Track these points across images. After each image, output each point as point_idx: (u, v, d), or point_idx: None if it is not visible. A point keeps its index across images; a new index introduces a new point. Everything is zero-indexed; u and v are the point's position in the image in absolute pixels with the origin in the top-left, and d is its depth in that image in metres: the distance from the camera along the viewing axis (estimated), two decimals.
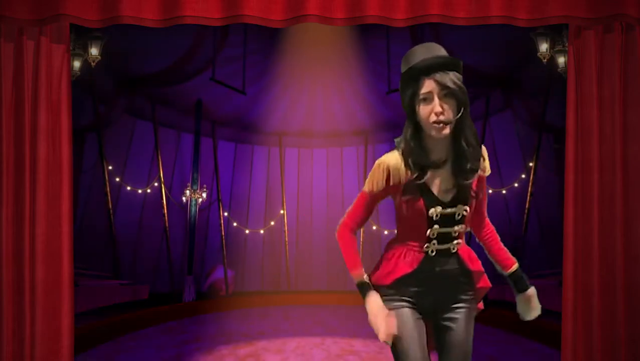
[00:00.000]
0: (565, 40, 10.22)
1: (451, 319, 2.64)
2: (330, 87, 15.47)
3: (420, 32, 12.43)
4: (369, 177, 2.60)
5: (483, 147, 2.60)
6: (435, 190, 2.53)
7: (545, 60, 10.72)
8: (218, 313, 14.45)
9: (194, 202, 15.90)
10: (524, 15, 3.98)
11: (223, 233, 17.16)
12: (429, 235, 2.55)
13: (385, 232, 16.96)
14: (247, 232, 18.57)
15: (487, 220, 2.81)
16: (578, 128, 4.13)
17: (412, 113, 2.48)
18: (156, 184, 15.89)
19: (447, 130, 2.42)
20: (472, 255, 2.68)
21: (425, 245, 2.57)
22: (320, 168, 19.17)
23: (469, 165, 2.49)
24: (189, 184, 16.02)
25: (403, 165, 2.51)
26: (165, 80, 13.59)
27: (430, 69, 2.42)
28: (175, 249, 15.97)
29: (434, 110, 2.40)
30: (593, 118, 4.07)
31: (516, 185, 15.14)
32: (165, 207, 15.41)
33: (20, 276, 3.94)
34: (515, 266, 2.79)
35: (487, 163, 2.63)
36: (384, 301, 2.60)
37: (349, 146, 18.78)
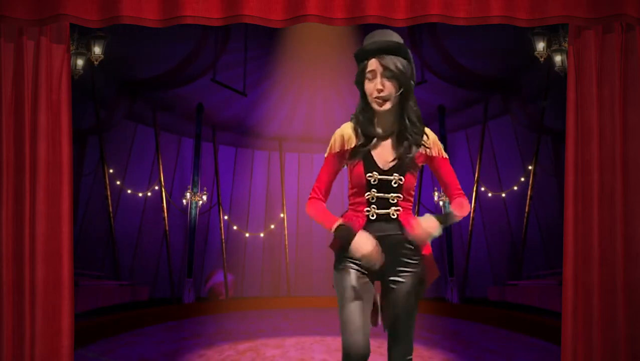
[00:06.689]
0: (562, 39, 10.24)
1: (396, 282, 2.89)
2: (330, 92, 15.48)
3: (419, 36, 12.45)
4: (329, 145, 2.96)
5: (428, 129, 2.94)
6: (376, 157, 2.86)
7: (542, 59, 10.75)
8: (217, 314, 14.44)
9: (194, 205, 15.90)
10: (524, 15, 3.98)
11: (223, 237, 17.15)
12: (368, 199, 2.85)
13: None
14: (247, 235, 18.54)
15: (463, 197, 2.98)
16: (578, 129, 4.12)
17: (362, 89, 2.87)
18: (157, 188, 15.89)
19: (386, 106, 2.81)
20: (413, 222, 2.84)
21: (366, 209, 2.85)
22: None
23: (409, 139, 2.85)
24: (190, 187, 16.02)
25: (354, 134, 2.88)
26: (167, 84, 13.59)
27: (376, 51, 2.80)
28: (176, 252, 15.96)
29: (376, 87, 2.79)
30: (593, 118, 4.07)
31: (515, 188, 15.13)
32: (165, 210, 15.41)
33: (20, 276, 3.93)
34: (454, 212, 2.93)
35: (431, 142, 2.92)
36: (335, 263, 2.91)
37: None
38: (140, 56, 12.42)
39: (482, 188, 15.20)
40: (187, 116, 16.06)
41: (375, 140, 2.85)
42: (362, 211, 2.87)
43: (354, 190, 2.91)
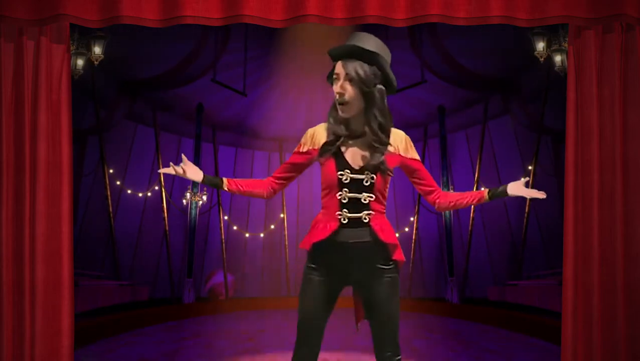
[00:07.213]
0: (562, 39, 10.24)
1: (374, 290, 2.90)
2: (331, 92, 15.46)
3: (419, 36, 12.45)
4: None
5: (401, 132, 2.96)
6: (348, 156, 2.86)
7: (542, 59, 10.75)
8: (217, 314, 14.43)
9: (194, 205, 15.89)
10: (524, 15, 3.98)
11: (223, 237, 17.14)
12: (340, 199, 2.84)
13: None
14: (247, 235, 18.53)
15: (442, 191, 3.09)
16: (578, 129, 4.12)
17: None
18: (157, 188, 15.88)
19: (348, 112, 2.83)
20: (385, 227, 2.89)
21: (338, 213, 2.84)
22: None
23: (374, 141, 2.83)
24: (190, 187, 16.01)
25: (325, 133, 2.91)
26: (167, 84, 13.59)
27: (339, 55, 2.86)
28: (176, 252, 15.96)
29: (335, 90, 2.84)
30: (593, 118, 4.07)
31: None
32: (165, 210, 15.40)
33: (20, 276, 3.93)
34: (487, 190, 3.14)
35: (399, 145, 2.93)
36: (305, 266, 2.96)
37: None
38: (140, 56, 12.42)
39: (482, 188, 15.18)
40: (187, 116, 16.05)
41: (342, 139, 2.87)
42: (333, 214, 2.86)
43: (326, 190, 2.91)
